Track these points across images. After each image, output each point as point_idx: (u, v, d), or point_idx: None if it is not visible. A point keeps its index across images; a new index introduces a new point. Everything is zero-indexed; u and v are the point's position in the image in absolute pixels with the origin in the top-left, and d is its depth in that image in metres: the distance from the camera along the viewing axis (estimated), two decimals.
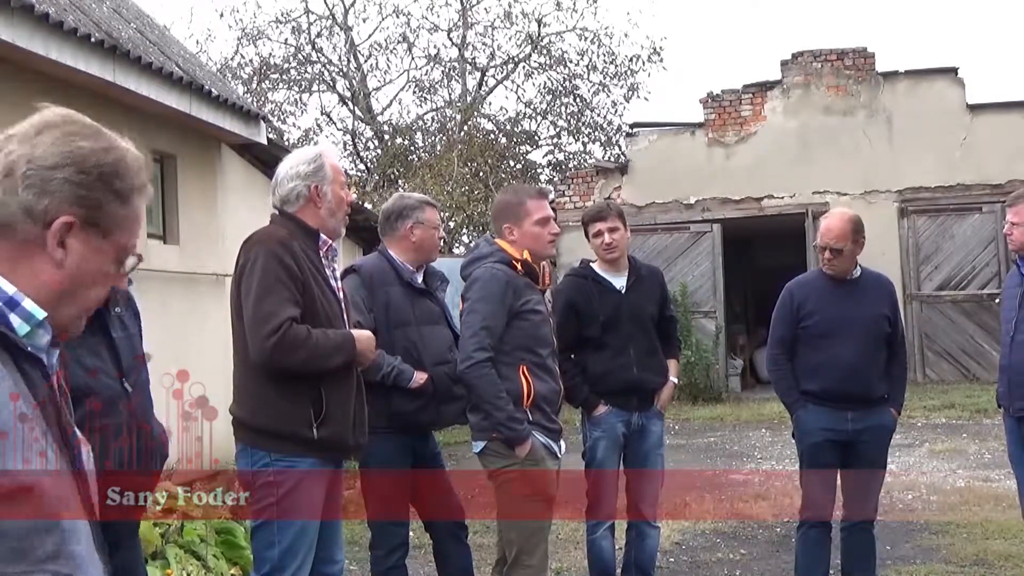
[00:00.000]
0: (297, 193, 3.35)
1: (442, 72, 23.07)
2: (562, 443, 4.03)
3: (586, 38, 22.31)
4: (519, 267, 3.86)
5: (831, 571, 4.76)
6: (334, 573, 3.44)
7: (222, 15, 34.97)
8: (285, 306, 3.16)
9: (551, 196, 4.11)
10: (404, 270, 4.28)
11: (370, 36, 26.12)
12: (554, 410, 3.92)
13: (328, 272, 3.39)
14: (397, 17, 22.99)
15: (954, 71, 14.71)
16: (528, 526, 3.82)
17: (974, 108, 14.48)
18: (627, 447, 4.62)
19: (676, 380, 4.80)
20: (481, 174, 19.57)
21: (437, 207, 4.45)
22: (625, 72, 22.48)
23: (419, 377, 4.04)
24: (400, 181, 20.74)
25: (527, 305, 3.83)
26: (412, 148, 22.38)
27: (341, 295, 3.44)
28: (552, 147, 23.03)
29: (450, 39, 22.74)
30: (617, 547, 4.78)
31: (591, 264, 4.70)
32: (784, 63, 15.24)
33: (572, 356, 4.57)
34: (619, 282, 4.61)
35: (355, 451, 3.46)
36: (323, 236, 3.38)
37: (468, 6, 22.44)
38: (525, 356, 3.80)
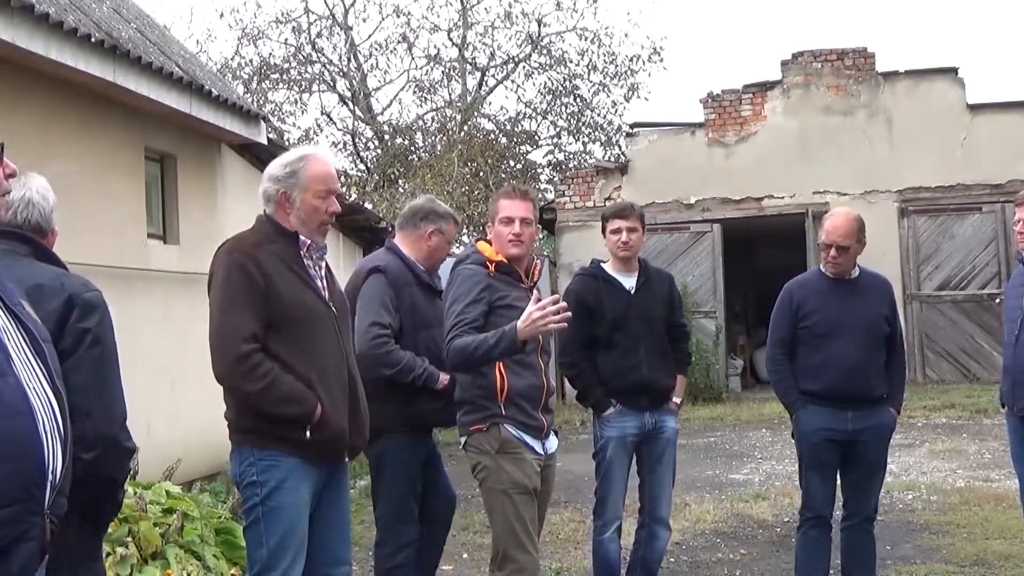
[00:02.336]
0: (268, 195, 3.31)
1: (442, 72, 23.11)
2: (551, 441, 4.00)
3: (586, 38, 22.37)
4: (491, 267, 3.89)
5: (831, 571, 4.76)
6: (341, 575, 3.39)
7: (222, 15, 35.07)
8: (246, 320, 3.12)
9: (535, 196, 4.09)
10: (420, 271, 4.35)
11: (370, 36, 26.26)
12: (535, 406, 3.87)
13: (313, 272, 3.31)
14: (397, 17, 23.04)
15: (954, 71, 14.71)
16: (508, 521, 3.79)
17: (974, 108, 14.48)
18: (641, 447, 4.59)
19: (679, 400, 4.69)
20: (481, 174, 19.57)
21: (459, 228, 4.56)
22: (625, 72, 22.52)
23: (444, 378, 4.12)
24: (400, 181, 20.75)
25: (503, 301, 3.84)
26: (412, 148, 22.39)
27: (327, 294, 3.34)
28: (552, 147, 23.07)
29: (450, 39, 22.77)
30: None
31: (602, 264, 4.70)
32: (784, 63, 15.24)
33: (588, 356, 4.56)
34: (629, 282, 4.62)
35: (353, 453, 3.41)
36: (302, 236, 3.28)
37: (468, 6, 22.45)
38: None
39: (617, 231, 4.56)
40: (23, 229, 2.78)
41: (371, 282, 4.17)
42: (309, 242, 3.30)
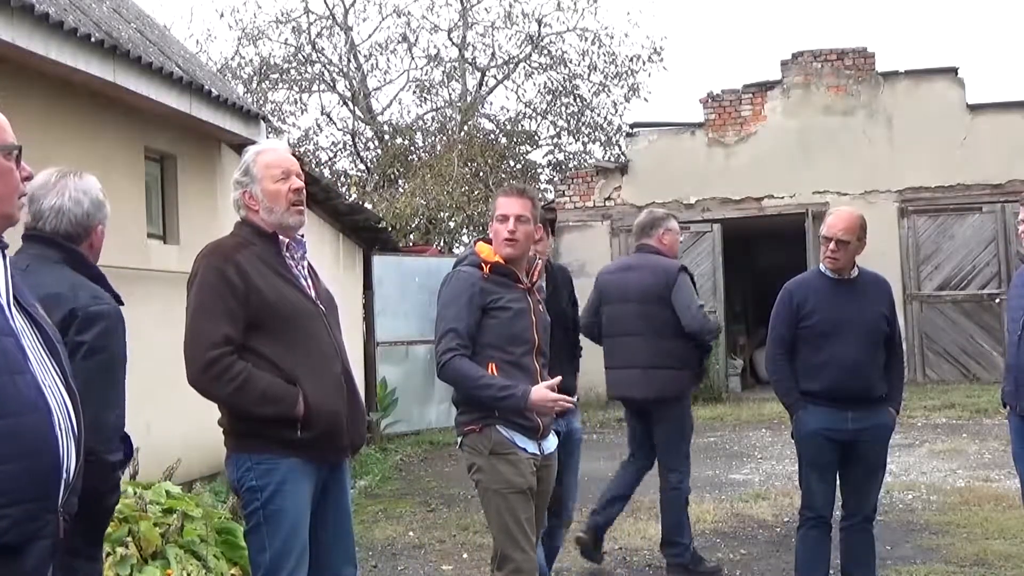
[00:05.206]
0: (235, 201, 3.35)
1: (442, 72, 23.05)
2: (549, 441, 3.97)
3: (586, 38, 22.29)
4: (487, 268, 3.87)
5: (831, 571, 4.76)
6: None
7: (222, 15, 34.85)
8: (218, 325, 3.12)
9: (533, 195, 4.08)
10: None
11: (370, 36, 26.16)
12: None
13: (296, 271, 3.29)
14: (397, 17, 22.95)
15: (954, 71, 14.71)
16: (504, 521, 3.78)
17: (974, 108, 14.47)
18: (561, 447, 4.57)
19: (577, 399, 4.74)
20: (481, 174, 19.54)
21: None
22: (625, 72, 22.45)
23: None
24: (400, 181, 20.73)
25: (497, 303, 3.83)
26: (412, 148, 22.34)
27: (313, 292, 3.31)
28: (552, 147, 23.01)
29: (450, 39, 22.72)
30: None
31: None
32: (784, 63, 15.23)
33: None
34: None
35: (353, 450, 3.39)
36: (281, 236, 3.28)
37: (468, 6, 22.42)
38: (494, 353, 3.80)
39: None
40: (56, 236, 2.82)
41: (686, 279, 5.49)
42: (287, 241, 3.29)
